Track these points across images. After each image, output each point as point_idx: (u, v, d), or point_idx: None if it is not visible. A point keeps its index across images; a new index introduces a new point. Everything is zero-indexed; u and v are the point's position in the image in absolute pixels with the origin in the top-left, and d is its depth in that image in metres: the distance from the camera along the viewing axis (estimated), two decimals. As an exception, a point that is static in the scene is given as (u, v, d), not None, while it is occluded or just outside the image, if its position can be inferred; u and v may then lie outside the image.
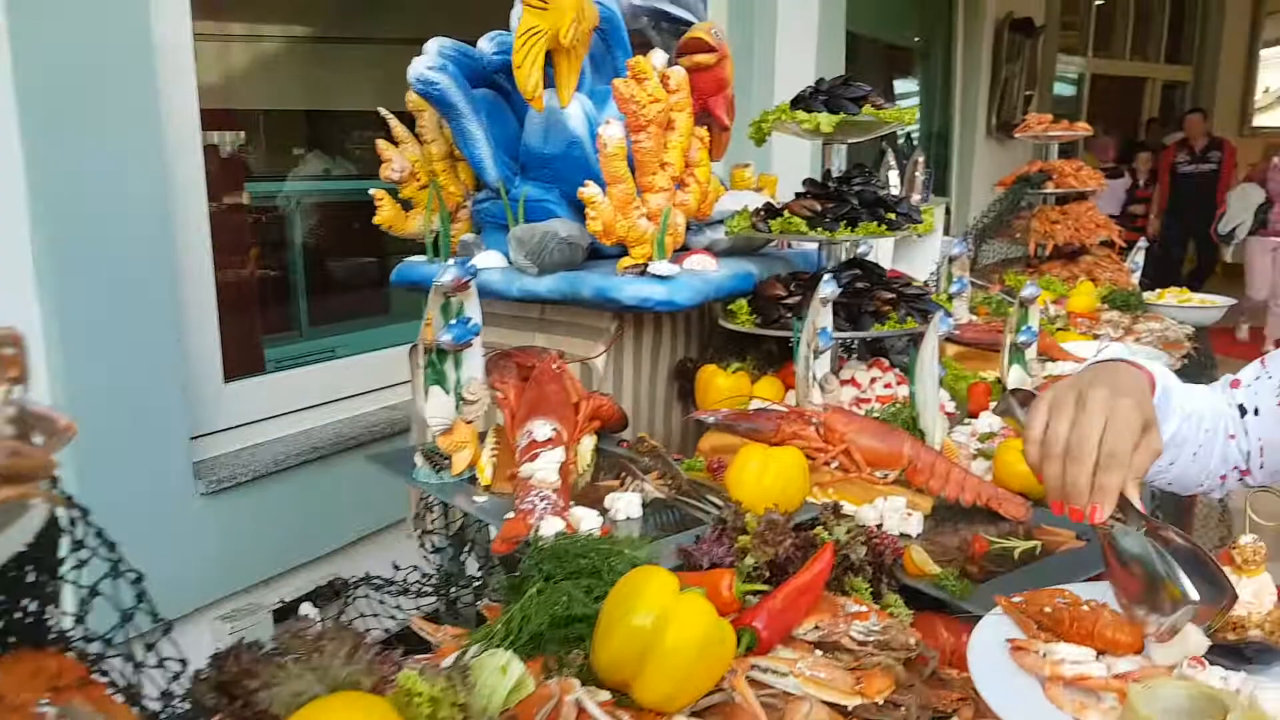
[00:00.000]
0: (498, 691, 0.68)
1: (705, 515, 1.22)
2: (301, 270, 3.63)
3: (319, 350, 3.07)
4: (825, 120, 1.70)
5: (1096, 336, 2.70)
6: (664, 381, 2.00)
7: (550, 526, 1.12)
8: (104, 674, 0.57)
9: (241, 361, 2.50)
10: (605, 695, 0.76)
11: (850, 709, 0.89)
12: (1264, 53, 10.78)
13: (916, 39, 6.61)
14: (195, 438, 2.21)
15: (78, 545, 0.54)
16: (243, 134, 3.50)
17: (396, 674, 0.61)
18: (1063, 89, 9.32)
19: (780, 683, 0.90)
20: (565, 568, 0.98)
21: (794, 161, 3.44)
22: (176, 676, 0.61)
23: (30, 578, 0.54)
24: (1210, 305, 3.16)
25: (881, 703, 0.90)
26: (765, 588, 1.00)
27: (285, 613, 2.31)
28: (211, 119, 2.31)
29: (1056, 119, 3.44)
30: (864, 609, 1.02)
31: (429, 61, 1.71)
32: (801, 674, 0.90)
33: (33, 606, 0.56)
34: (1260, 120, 10.96)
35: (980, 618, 1.05)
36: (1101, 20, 9.72)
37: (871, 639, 0.99)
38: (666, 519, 1.24)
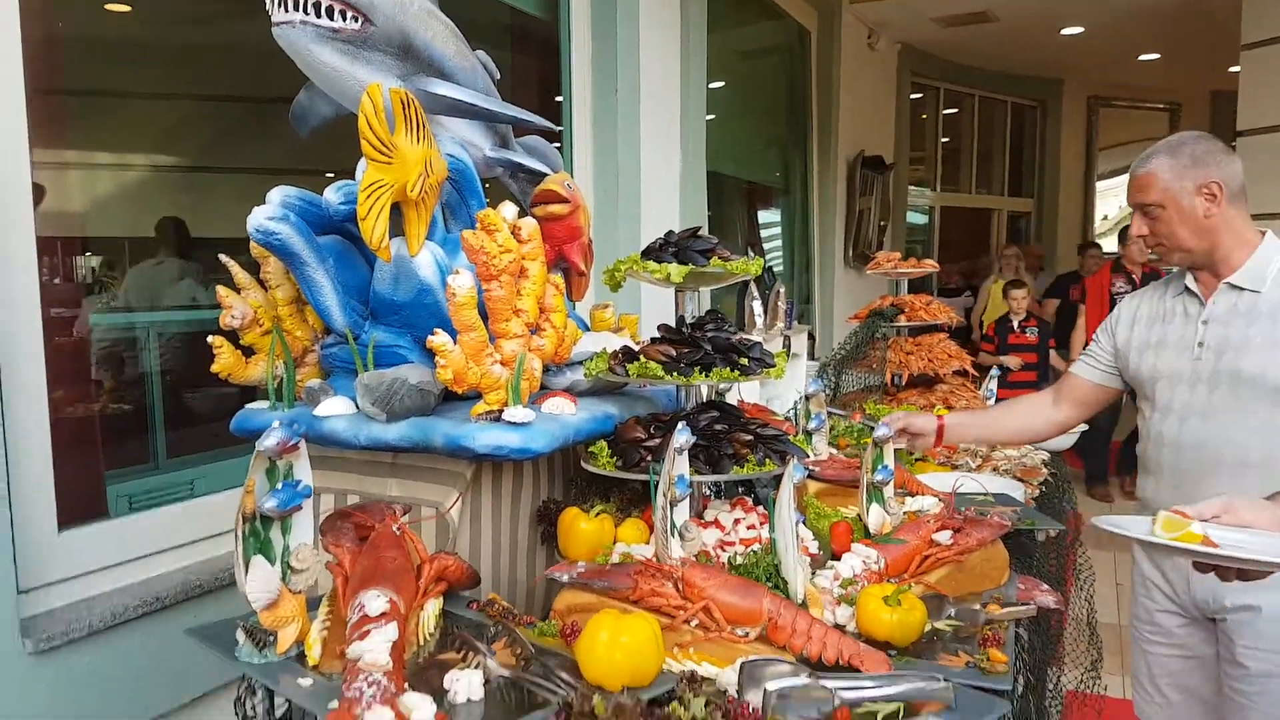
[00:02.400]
0: None
1: (552, 695, 1.14)
2: (158, 400, 3.43)
3: (177, 483, 2.87)
4: (675, 271, 1.72)
5: (955, 467, 2.78)
6: (526, 526, 1.93)
7: (377, 718, 1.02)
8: None
9: (81, 505, 2.31)
10: None
11: None
12: (1100, 184, 11.87)
13: (776, 174, 6.98)
14: (24, 592, 2.02)
15: None
16: (101, 259, 3.35)
17: None
18: (915, 218, 9.97)
19: None
20: (387, 775, 0.88)
21: (660, 298, 3.50)
22: None
23: None
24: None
25: None
26: (610, 785, 0.92)
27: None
28: (66, 247, 2.18)
29: (910, 248, 3.64)
30: (718, 799, 0.96)
31: (269, 212, 1.65)
32: None
33: None
34: (1103, 244, 11.95)
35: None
36: (947, 157, 10.54)
37: (724, 835, 0.92)
38: (511, 700, 1.15)
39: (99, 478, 2.71)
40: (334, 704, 1.07)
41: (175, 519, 2.46)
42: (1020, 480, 2.69)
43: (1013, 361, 6.59)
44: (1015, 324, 6.86)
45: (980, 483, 2.44)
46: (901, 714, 1.20)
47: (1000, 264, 8.49)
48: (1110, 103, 11.54)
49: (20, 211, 2.02)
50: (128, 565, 2.31)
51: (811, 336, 5.25)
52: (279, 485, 1.24)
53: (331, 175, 1.85)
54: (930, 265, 3.42)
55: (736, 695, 1.19)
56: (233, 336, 1.89)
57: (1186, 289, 2.24)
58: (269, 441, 1.19)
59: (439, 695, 1.13)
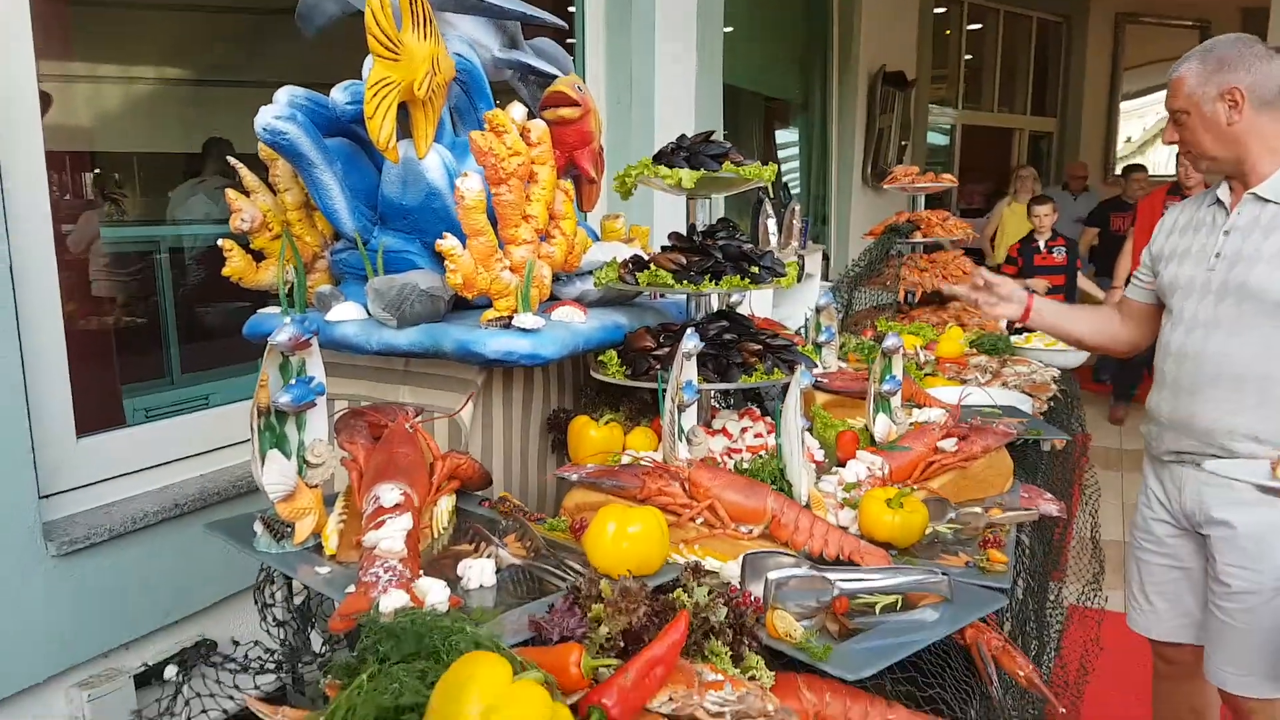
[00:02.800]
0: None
1: (561, 582, 1.17)
2: (172, 316, 3.46)
3: (191, 398, 2.91)
4: (686, 176, 1.71)
5: (964, 381, 2.78)
6: (536, 434, 1.96)
7: (393, 601, 1.05)
8: None
9: (98, 415, 2.35)
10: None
11: (699, 788, 0.85)
12: (1125, 105, 11.57)
13: (795, 90, 6.84)
14: (45, 497, 2.07)
15: None
16: (116, 175, 3.35)
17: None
18: (936, 138, 9.78)
19: (626, 765, 0.85)
20: (402, 649, 0.91)
21: (671, 211, 3.47)
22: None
23: None
24: (1071, 350, 3.30)
25: (733, 779, 0.87)
26: (616, 662, 0.95)
27: (148, 677, 2.17)
28: (76, 162, 2.18)
29: (928, 169, 3.57)
30: (719, 678, 0.99)
31: (276, 111, 1.64)
32: (650, 754, 0.86)
33: None
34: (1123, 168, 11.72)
35: (842, 679, 1.03)
36: (970, 75, 10.28)
37: (727, 709, 0.95)
38: (522, 587, 1.19)
39: (115, 388, 2.76)
40: (351, 588, 1.11)
41: (191, 428, 2.50)
42: (1029, 395, 2.69)
43: (1039, 284, 5.77)
44: (1041, 244, 6.27)
45: (989, 395, 2.44)
46: (899, 606, 1.24)
47: (1015, 185, 8.03)
48: (1138, 19, 11.18)
49: (28, 124, 2.01)
50: (145, 473, 2.36)
51: (826, 257, 5.20)
52: (292, 381, 1.26)
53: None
54: (948, 180, 3.37)
55: (739, 586, 1.23)
56: (244, 242, 1.89)
57: (1217, 198, 2.21)
58: (281, 337, 1.21)
59: (453, 583, 1.17)
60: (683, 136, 1.80)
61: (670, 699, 0.95)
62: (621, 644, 1.03)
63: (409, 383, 1.85)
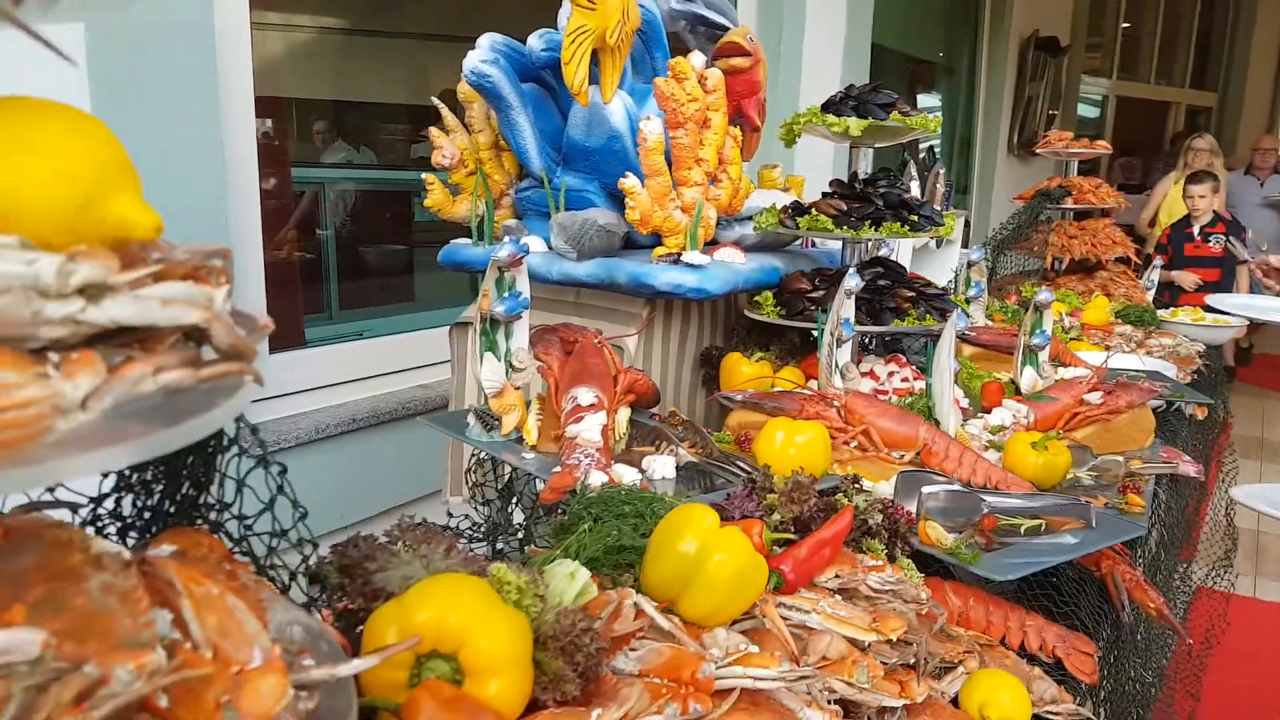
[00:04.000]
0: (567, 592, 0.78)
1: (735, 478, 1.32)
2: (333, 255, 3.76)
3: (348, 333, 3.19)
4: (854, 124, 1.80)
5: (1108, 348, 2.79)
6: (690, 367, 2.11)
7: (595, 479, 1.22)
8: (245, 554, 0.68)
9: (284, 335, 2.62)
10: (655, 604, 0.86)
11: (866, 644, 0.99)
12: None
13: (940, 54, 6.70)
14: (243, 403, 2.35)
15: (231, 441, 0.64)
16: (293, 119, 3.63)
17: (487, 569, 0.72)
18: (1086, 111, 9.39)
19: (803, 618, 0.99)
20: (612, 511, 1.08)
21: (817, 165, 3.53)
22: (306, 559, 0.71)
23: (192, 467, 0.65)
24: (1222, 325, 3.24)
25: (895, 640, 1.00)
26: (793, 536, 1.10)
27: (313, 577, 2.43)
28: (258, 106, 2.43)
29: (1078, 138, 3.53)
30: (880, 563, 1.12)
31: (482, 55, 1.82)
32: (823, 611, 1.00)
33: (189, 490, 0.66)
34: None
35: (985, 588, 1.15)
36: (1127, 43, 9.79)
37: (887, 589, 1.09)
38: (699, 482, 1.34)
39: (298, 314, 3.06)
40: (557, 468, 1.29)
41: (359, 354, 2.74)
42: (1174, 365, 2.68)
43: (1187, 280, 4.96)
44: (1196, 230, 5.26)
45: (1135, 360, 2.46)
46: (1042, 530, 1.33)
47: (1186, 158, 6.28)
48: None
49: (241, 73, 2.23)
50: (325, 390, 2.61)
51: (967, 223, 5.15)
52: (505, 294, 1.44)
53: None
54: (1103, 146, 3.33)
55: (892, 500, 1.35)
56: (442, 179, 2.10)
57: None
58: (502, 253, 1.38)
59: (639, 473, 1.33)
60: (850, 86, 1.89)
61: (836, 576, 1.09)
62: (792, 530, 1.17)
63: (580, 313, 2.02)
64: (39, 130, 0.43)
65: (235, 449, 0.63)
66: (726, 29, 2.17)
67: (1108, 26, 9.44)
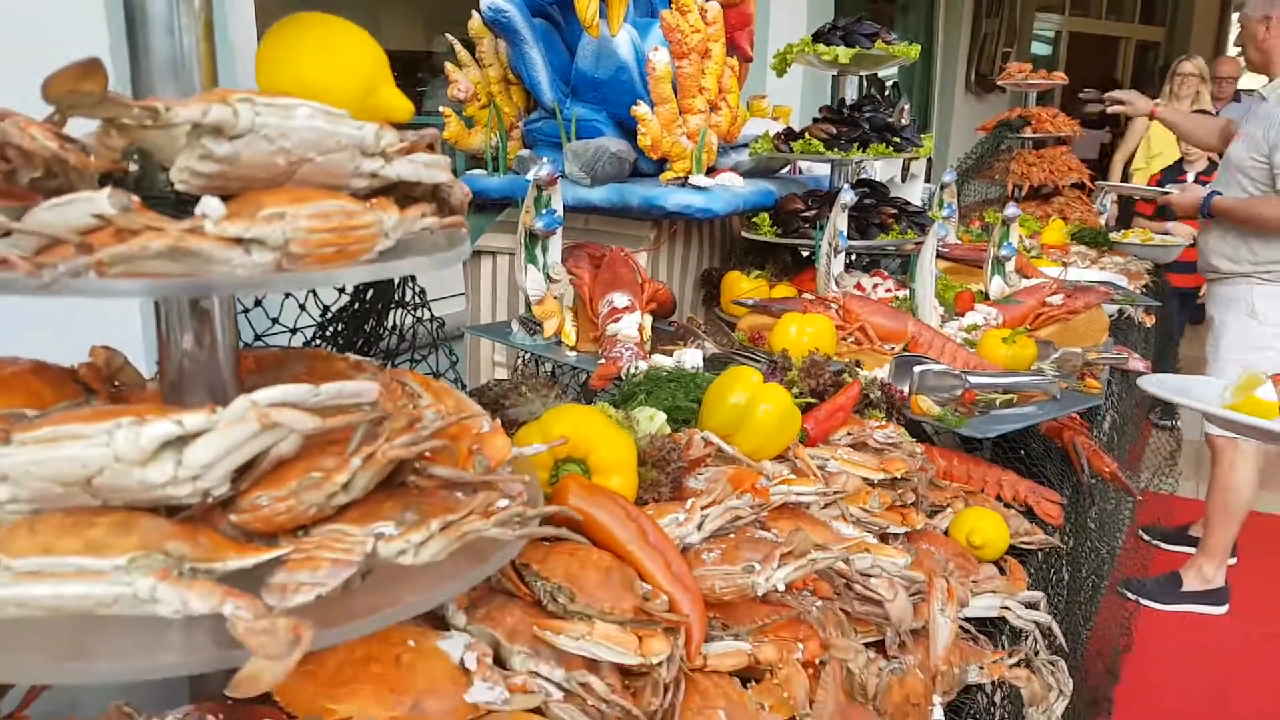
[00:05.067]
0: (650, 428, 0.98)
1: (758, 364, 1.52)
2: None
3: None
4: (843, 53, 1.98)
5: (1065, 265, 3.02)
6: (690, 286, 2.30)
7: (639, 366, 1.42)
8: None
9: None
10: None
11: (876, 480, 1.20)
12: (1235, 15, 11.08)
13: (901, -8, 6.86)
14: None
15: (403, 284, 0.82)
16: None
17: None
18: (1040, 48, 9.60)
19: (824, 462, 1.20)
20: (660, 386, 1.27)
21: (788, 99, 3.70)
22: (463, 385, 0.89)
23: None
24: (1169, 244, 3.50)
25: (898, 477, 1.22)
26: (814, 401, 1.30)
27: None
28: None
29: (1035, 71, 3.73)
30: (884, 423, 1.33)
31: (500, -8, 1.95)
32: (840, 457, 1.21)
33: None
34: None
35: (967, 441, 1.37)
36: (1079, -23, 9.98)
37: (889, 441, 1.30)
38: (725, 368, 1.54)
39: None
40: (601, 361, 1.48)
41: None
42: (1124, 278, 2.93)
43: (1181, 230, 3.85)
44: (1191, 176, 4.54)
45: (1090, 274, 2.70)
46: (1014, 403, 1.56)
47: (1171, 85, 5.25)
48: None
49: (245, 23, 2.33)
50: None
51: (929, 160, 5.35)
52: (543, 211, 1.61)
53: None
54: (1060, 78, 3.54)
55: (888, 380, 1.56)
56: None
57: None
58: (541, 173, 1.55)
59: (668, 364, 1.53)
60: (838, 17, 2.06)
61: (849, 434, 1.30)
62: (811, 401, 1.38)
63: (589, 238, 2.19)
64: (333, 38, 0.60)
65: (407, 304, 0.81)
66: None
67: (1060, -39, 9.62)
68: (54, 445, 0.49)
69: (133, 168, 0.59)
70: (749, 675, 0.81)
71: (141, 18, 0.55)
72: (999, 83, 3.77)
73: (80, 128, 0.54)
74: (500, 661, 0.67)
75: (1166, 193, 3.27)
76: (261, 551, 0.53)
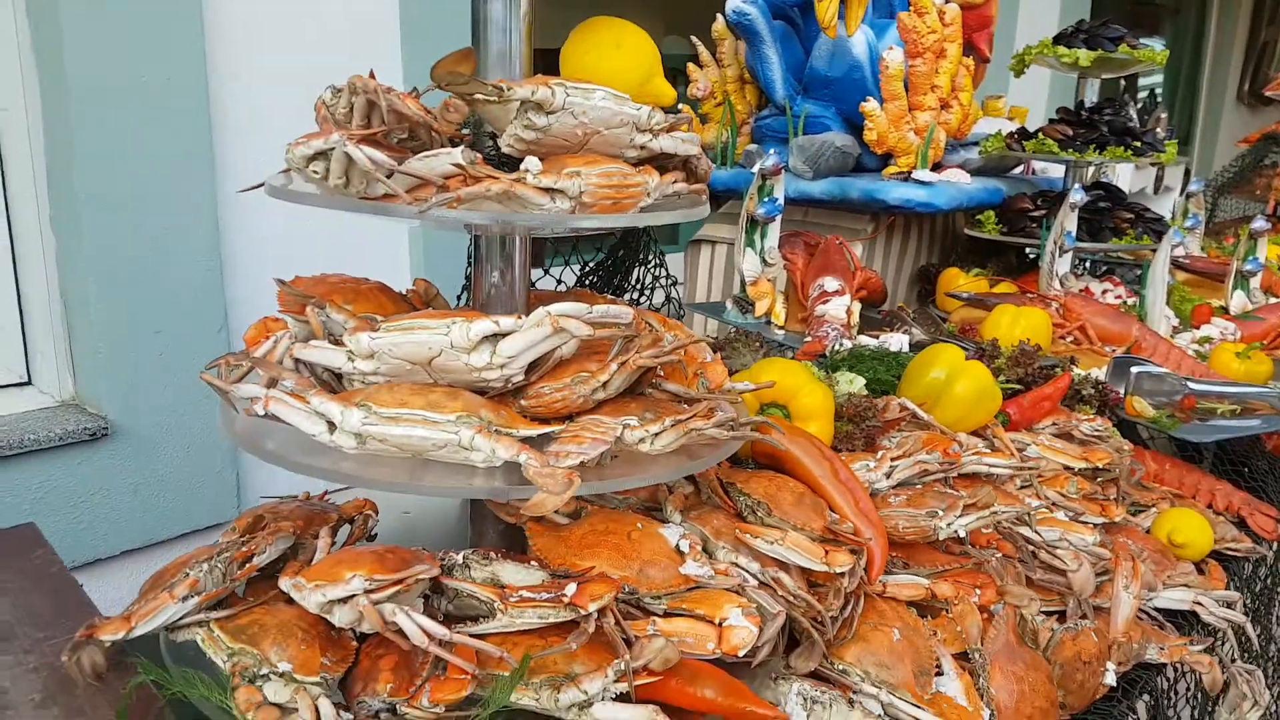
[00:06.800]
0: (846, 388, 1.09)
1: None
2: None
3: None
4: (1084, 55, 1.96)
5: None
6: (905, 283, 2.35)
7: (843, 345, 1.52)
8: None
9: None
10: (916, 406, 1.15)
11: (1076, 470, 1.24)
12: None
13: (1169, -6, 6.37)
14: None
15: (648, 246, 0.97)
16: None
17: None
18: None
19: (1024, 447, 1.25)
20: (867, 359, 1.37)
21: (1032, 100, 3.60)
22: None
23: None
24: None
25: (1101, 467, 1.25)
26: (1019, 387, 1.35)
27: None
28: None
29: (1318, 80, 3.41)
30: (1092, 417, 1.36)
31: (744, -4, 2.10)
32: (1041, 444, 1.26)
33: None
34: None
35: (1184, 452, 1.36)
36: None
37: (1096, 434, 1.32)
38: (929, 354, 1.61)
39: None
40: (808, 338, 1.59)
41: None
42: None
43: None
44: None
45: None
46: (1239, 412, 1.52)
47: None
48: None
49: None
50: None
51: (1187, 171, 4.99)
52: (766, 199, 1.74)
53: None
54: (1344, 86, 3.23)
55: (1104, 380, 1.56)
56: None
57: None
58: (768, 162, 1.68)
59: (876, 347, 1.61)
60: (1081, 20, 2.04)
61: (1054, 423, 1.34)
62: (1016, 387, 1.42)
63: (806, 230, 2.29)
64: (622, 36, 0.76)
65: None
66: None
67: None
68: (409, 332, 0.68)
69: (464, 132, 0.78)
70: (926, 611, 0.90)
71: (484, 20, 0.74)
72: (1267, 93, 3.48)
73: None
74: (706, 554, 0.81)
75: None
76: (543, 427, 0.70)
